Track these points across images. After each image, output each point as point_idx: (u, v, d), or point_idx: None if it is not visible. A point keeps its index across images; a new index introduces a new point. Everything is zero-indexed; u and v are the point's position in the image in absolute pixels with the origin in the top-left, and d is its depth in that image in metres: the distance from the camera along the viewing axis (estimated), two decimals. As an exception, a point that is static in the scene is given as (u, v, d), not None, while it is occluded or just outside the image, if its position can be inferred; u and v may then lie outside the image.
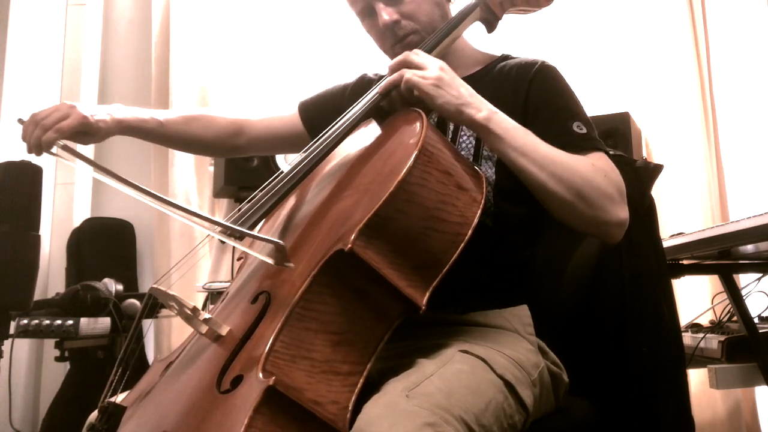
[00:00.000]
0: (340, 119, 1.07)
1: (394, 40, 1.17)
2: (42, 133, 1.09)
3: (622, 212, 1.04)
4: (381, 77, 1.28)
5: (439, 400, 0.82)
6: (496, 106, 1.07)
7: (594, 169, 1.04)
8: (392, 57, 1.20)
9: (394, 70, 1.03)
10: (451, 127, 1.16)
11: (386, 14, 1.14)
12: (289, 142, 1.37)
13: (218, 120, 1.34)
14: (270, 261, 0.88)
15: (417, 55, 1.03)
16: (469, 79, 1.19)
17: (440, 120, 1.17)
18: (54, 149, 1.11)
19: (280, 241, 0.85)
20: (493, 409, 0.89)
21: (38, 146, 1.10)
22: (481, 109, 1.00)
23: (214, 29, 2.96)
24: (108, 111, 1.20)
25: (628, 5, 2.83)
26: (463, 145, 1.14)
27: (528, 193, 1.14)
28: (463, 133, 1.15)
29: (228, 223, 0.93)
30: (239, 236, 0.94)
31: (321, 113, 1.27)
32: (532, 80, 1.14)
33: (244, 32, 3.00)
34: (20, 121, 1.13)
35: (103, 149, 2.93)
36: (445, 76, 1.00)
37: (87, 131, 1.15)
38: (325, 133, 1.07)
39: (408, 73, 1.00)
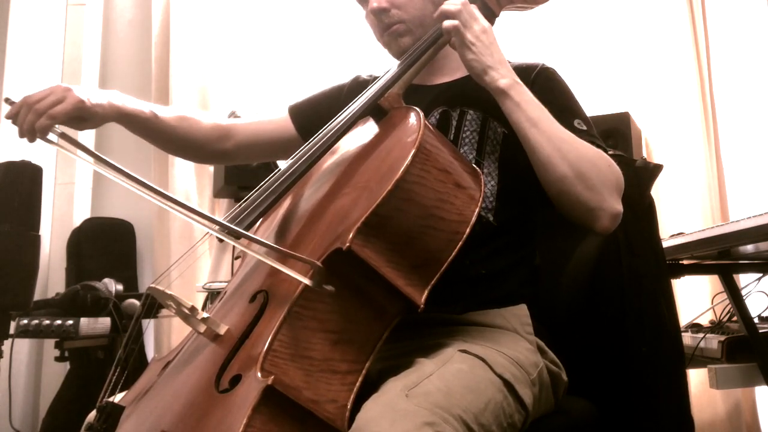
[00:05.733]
0: (338, 117, 1.08)
1: (381, 28, 1.19)
2: (35, 119, 1.02)
3: (618, 205, 1.05)
4: (375, 78, 1.29)
5: (439, 400, 0.82)
6: (498, 106, 1.08)
7: (599, 156, 1.06)
8: (383, 45, 1.22)
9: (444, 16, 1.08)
10: (454, 123, 1.16)
11: (376, 2, 1.16)
12: (279, 147, 1.33)
13: (206, 122, 1.30)
14: (270, 262, 0.87)
15: (471, 10, 1.07)
16: (470, 79, 1.19)
17: (442, 117, 1.17)
18: (51, 136, 1.03)
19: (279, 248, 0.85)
20: (492, 408, 0.89)
21: (31, 132, 1.03)
22: (506, 76, 1.05)
23: (214, 29, 2.96)
24: (107, 96, 1.14)
25: (628, 5, 2.83)
26: (466, 140, 1.14)
27: (531, 190, 1.14)
28: (466, 128, 1.15)
29: (227, 223, 0.92)
30: (236, 235, 0.93)
31: (315, 115, 1.25)
32: (534, 83, 1.16)
33: (244, 32, 3.00)
34: (8, 101, 1.05)
35: (103, 147, 2.94)
36: (483, 38, 1.05)
37: (83, 116, 1.09)
38: (323, 130, 1.07)
39: (464, 16, 1.05)
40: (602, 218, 1.04)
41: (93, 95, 1.11)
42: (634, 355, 1.20)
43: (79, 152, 0.97)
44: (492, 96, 1.09)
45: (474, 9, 1.08)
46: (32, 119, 1.03)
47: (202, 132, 1.29)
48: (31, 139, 1.04)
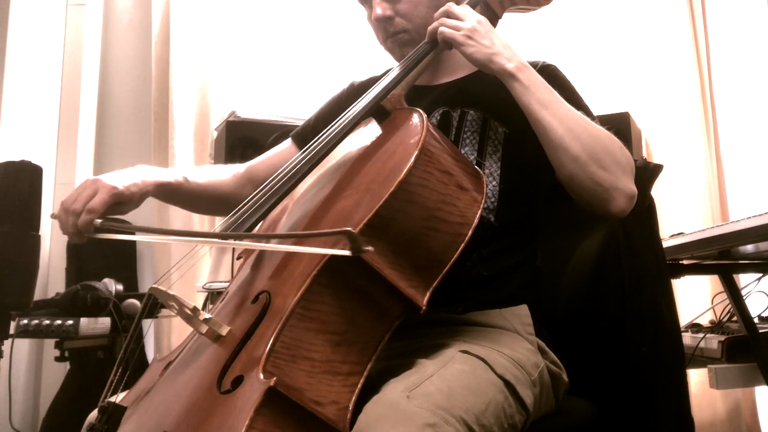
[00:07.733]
0: (341, 118, 1.07)
1: (385, 35, 1.19)
2: (76, 219, 1.02)
3: (632, 185, 1.05)
4: (373, 79, 1.28)
5: (440, 401, 0.82)
6: (499, 105, 1.08)
7: (610, 137, 1.06)
8: (386, 50, 1.22)
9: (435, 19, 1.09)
10: (455, 124, 1.16)
11: (380, 9, 1.16)
12: None
13: (226, 175, 1.30)
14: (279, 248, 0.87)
15: (459, 7, 1.08)
16: (471, 78, 1.20)
17: (443, 117, 1.17)
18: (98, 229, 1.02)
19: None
20: (493, 409, 0.89)
21: (78, 234, 1.03)
22: (512, 59, 1.04)
23: (214, 29, 2.96)
24: (137, 174, 1.12)
25: (628, 5, 2.83)
26: (467, 141, 1.14)
27: (533, 190, 1.13)
28: (466, 129, 1.15)
29: (236, 233, 0.91)
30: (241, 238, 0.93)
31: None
32: None
33: (244, 32, 3.00)
34: (53, 216, 1.06)
35: (103, 153, 2.95)
36: (479, 28, 1.05)
37: (121, 201, 1.07)
38: (326, 132, 1.07)
39: (448, 22, 1.06)
40: (618, 198, 1.02)
41: (122, 178, 1.08)
42: (635, 355, 1.20)
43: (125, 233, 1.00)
44: (493, 95, 1.09)
45: (464, 7, 1.09)
46: (73, 221, 1.02)
47: (226, 184, 1.29)
48: (81, 240, 1.04)
